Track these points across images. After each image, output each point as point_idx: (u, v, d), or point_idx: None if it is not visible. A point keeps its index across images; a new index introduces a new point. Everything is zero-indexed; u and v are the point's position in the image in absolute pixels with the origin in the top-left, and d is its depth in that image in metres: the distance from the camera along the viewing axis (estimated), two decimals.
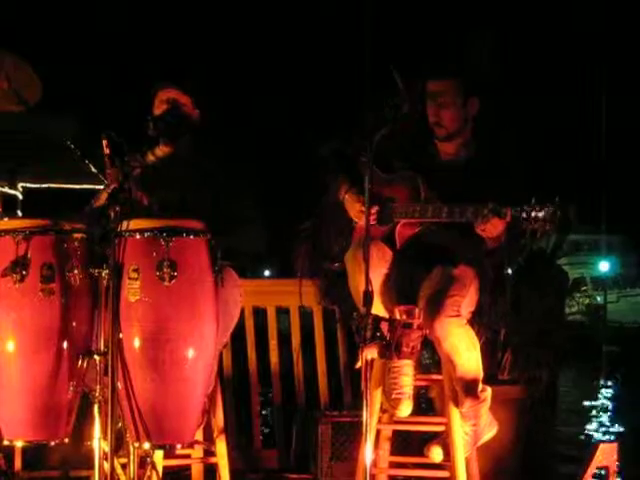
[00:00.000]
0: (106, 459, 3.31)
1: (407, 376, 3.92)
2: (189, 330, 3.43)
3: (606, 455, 4.04)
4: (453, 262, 4.08)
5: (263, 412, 5.51)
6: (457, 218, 4.00)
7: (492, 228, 3.90)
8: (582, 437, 9.52)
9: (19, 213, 5.21)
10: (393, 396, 3.90)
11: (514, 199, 3.86)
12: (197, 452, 4.12)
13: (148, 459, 3.51)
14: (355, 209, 4.30)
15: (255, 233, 4.17)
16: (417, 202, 4.15)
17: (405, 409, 3.92)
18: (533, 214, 3.80)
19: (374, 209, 4.17)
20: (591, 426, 10.76)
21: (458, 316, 3.97)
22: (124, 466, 3.48)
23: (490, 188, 3.96)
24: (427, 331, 3.85)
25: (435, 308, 3.90)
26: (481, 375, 4.06)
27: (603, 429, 10.62)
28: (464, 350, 3.98)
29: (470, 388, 4.01)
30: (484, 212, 3.89)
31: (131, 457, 3.46)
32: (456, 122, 4.24)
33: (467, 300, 4.05)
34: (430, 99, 4.25)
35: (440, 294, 3.96)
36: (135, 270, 3.39)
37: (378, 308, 3.94)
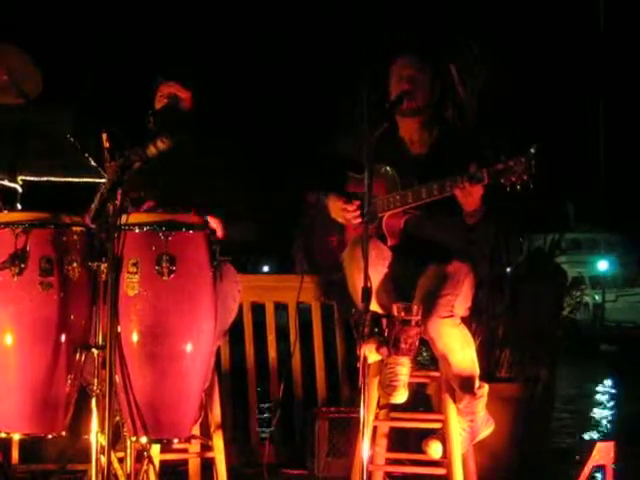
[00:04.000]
0: (103, 453, 3.30)
1: (403, 367, 3.93)
2: (187, 324, 3.43)
3: (603, 454, 4.04)
4: (447, 258, 4.08)
5: (260, 407, 5.51)
6: (437, 194, 4.00)
7: (471, 194, 3.91)
8: (579, 435, 9.53)
9: (18, 206, 5.21)
10: (387, 383, 3.91)
11: (486, 161, 3.89)
12: (194, 447, 4.12)
13: (145, 453, 3.51)
14: (337, 208, 4.29)
15: (249, 226, 4.18)
16: (396, 192, 4.16)
17: (400, 396, 3.92)
18: (507, 167, 3.83)
19: (355, 205, 4.18)
20: (588, 424, 10.77)
21: (451, 316, 3.97)
22: (121, 460, 3.47)
23: (461, 160, 3.97)
24: (422, 329, 3.86)
25: (428, 308, 3.90)
26: (477, 372, 4.06)
27: (600, 427, 10.62)
28: (458, 349, 3.98)
29: (467, 385, 4.01)
30: (461, 180, 3.90)
31: (128, 451, 3.46)
32: (426, 96, 4.24)
33: (462, 297, 4.05)
34: (401, 74, 4.24)
35: (433, 294, 3.96)
36: (134, 264, 3.39)
37: (373, 306, 3.94)
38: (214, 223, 3.85)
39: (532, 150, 3.82)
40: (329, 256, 4.42)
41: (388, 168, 4.18)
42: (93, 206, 4.03)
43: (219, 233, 3.88)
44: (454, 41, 5.27)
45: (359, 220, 4.15)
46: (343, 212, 4.25)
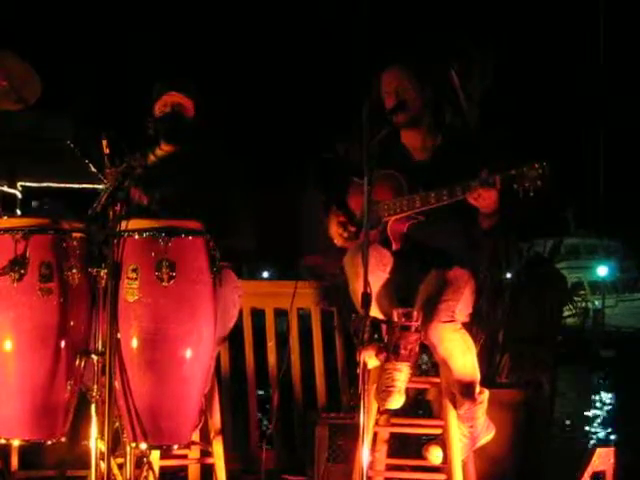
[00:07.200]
0: (103, 459, 3.30)
1: (401, 372, 3.92)
2: (187, 330, 3.42)
3: (603, 459, 4.04)
4: (448, 264, 4.07)
5: (260, 413, 5.51)
6: (447, 200, 3.99)
7: (485, 199, 3.89)
8: (579, 441, 9.51)
9: (18, 212, 5.22)
10: (383, 388, 3.90)
11: (498, 166, 3.88)
12: (194, 452, 4.12)
13: (145, 459, 3.51)
14: (335, 231, 4.30)
15: (250, 233, 4.18)
16: (403, 197, 4.15)
17: (395, 402, 3.91)
18: (521, 174, 3.81)
19: (352, 230, 4.20)
20: (588, 430, 10.75)
21: (452, 321, 3.96)
22: (121, 466, 3.48)
23: (467, 165, 3.96)
24: (423, 335, 3.86)
25: (429, 314, 3.90)
26: (478, 378, 4.05)
27: (600, 433, 10.61)
28: (459, 355, 3.97)
29: (467, 391, 4.01)
30: (473, 185, 3.89)
31: (128, 457, 3.46)
32: (417, 103, 4.23)
33: (462, 303, 4.05)
34: (388, 88, 4.23)
35: (434, 299, 3.95)
36: (134, 270, 3.39)
37: (374, 312, 3.93)
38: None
39: (540, 160, 3.81)
40: (328, 262, 4.42)
41: (395, 173, 4.17)
42: (96, 205, 4.02)
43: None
44: (454, 46, 5.27)
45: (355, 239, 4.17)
46: (340, 237, 4.26)
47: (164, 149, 4.24)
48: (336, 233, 4.29)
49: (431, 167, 4.18)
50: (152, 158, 4.23)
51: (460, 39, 5.31)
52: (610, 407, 13.35)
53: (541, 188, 3.78)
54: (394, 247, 4.16)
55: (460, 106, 5.22)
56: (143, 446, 3.42)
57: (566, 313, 5.92)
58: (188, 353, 3.43)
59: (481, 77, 5.26)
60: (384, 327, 3.95)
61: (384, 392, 3.90)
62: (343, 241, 4.27)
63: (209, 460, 4.05)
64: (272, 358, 5.37)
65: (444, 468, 4.00)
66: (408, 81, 4.20)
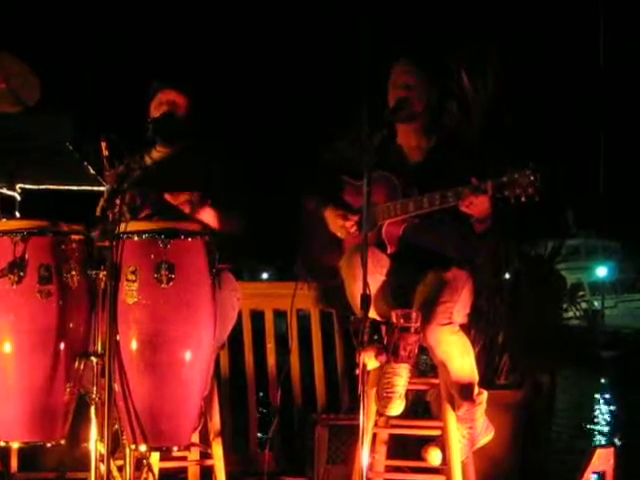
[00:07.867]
0: (102, 461, 3.30)
1: (401, 377, 3.92)
2: (186, 332, 3.42)
3: (603, 460, 4.04)
4: (446, 265, 4.07)
5: (259, 414, 5.50)
6: (439, 205, 3.99)
7: (477, 205, 3.90)
8: (579, 441, 9.52)
9: (17, 214, 5.21)
10: (384, 394, 3.90)
11: (489, 172, 3.87)
12: (193, 454, 4.12)
13: (144, 461, 3.51)
14: (336, 224, 4.28)
15: (238, 220, 4.17)
16: (396, 200, 4.14)
17: (395, 408, 3.91)
18: (512, 180, 3.80)
19: (352, 220, 4.18)
20: (588, 430, 10.77)
21: (450, 323, 3.95)
22: (120, 468, 3.47)
23: (463, 168, 3.96)
24: (421, 337, 3.86)
25: (426, 316, 3.89)
26: (476, 379, 4.05)
27: (600, 433, 10.62)
28: (457, 357, 3.97)
29: (466, 392, 4.01)
30: (464, 192, 3.89)
31: (127, 459, 3.46)
32: (422, 101, 4.23)
33: (460, 304, 4.04)
34: (397, 82, 4.24)
35: (431, 301, 3.94)
36: (133, 272, 3.39)
37: (371, 314, 3.93)
38: (210, 214, 3.88)
39: (532, 164, 3.80)
40: (327, 263, 4.41)
41: (389, 175, 4.17)
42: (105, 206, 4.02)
43: (214, 224, 3.89)
44: (464, 45, 5.26)
45: (357, 233, 4.15)
46: (342, 229, 4.25)
47: (160, 151, 4.24)
48: (338, 226, 4.28)
49: (424, 168, 4.18)
50: (150, 160, 4.23)
51: (469, 39, 5.31)
52: (609, 407, 13.36)
53: (532, 195, 3.78)
54: (389, 250, 4.15)
55: (468, 104, 5.22)
56: (143, 448, 3.42)
57: (569, 314, 5.91)
58: (187, 355, 3.43)
59: (495, 77, 5.26)
60: (383, 328, 3.94)
61: (384, 399, 3.90)
62: (346, 233, 4.25)
63: (209, 462, 4.05)
64: (272, 360, 5.37)
65: (443, 469, 4.00)
66: (419, 78, 4.20)
